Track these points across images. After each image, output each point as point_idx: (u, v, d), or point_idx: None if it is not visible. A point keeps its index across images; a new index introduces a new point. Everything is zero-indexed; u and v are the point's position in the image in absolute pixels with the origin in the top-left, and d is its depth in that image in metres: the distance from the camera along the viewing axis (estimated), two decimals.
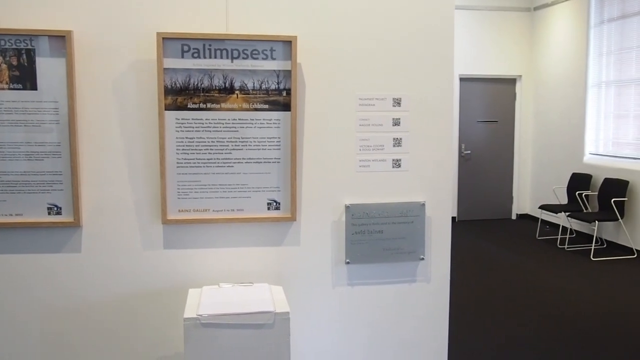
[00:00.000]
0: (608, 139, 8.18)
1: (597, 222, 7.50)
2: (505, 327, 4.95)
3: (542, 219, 9.01)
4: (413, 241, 2.83)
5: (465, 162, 9.68)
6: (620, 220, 7.40)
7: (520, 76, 9.73)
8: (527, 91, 9.79)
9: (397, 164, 2.80)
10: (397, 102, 2.77)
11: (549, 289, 6.04)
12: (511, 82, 9.78)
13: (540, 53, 9.53)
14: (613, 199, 7.41)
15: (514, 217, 10.00)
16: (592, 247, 7.53)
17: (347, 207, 2.76)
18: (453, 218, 9.62)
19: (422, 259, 2.87)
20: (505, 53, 9.63)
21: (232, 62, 2.59)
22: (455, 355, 4.29)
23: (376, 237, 2.79)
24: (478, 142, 9.74)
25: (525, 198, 9.97)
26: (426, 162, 2.84)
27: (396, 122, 2.78)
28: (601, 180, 7.89)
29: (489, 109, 9.75)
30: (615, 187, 7.59)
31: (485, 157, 9.78)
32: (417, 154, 2.82)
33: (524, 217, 9.93)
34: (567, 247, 7.85)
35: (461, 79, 9.48)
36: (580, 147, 8.56)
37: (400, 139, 2.79)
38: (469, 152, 9.67)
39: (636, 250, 7.38)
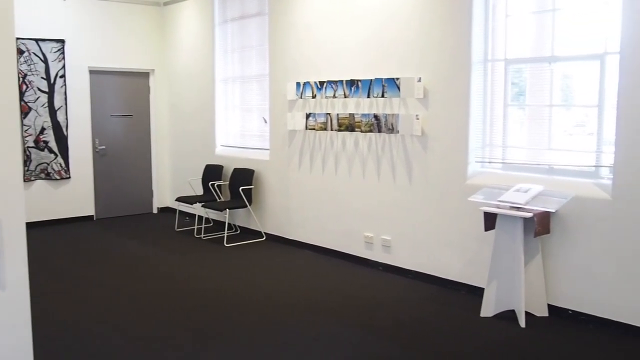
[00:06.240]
0: (236, 132, 8.69)
1: (227, 210, 7.91)
2: (136, 323, 4.89)
3: (180, 211, 9.21)
4: None
5: (100, 158, 9.37)
6: (249, 206, 7.93)
7: (154, 70, 9.78)
8: (160, 85, 9.88)
9: None
10: None
11: (183, 278, 6.17)
12: (145, 75, 9.76)
13: (171, 48, 9.70)
14: (241, 187, 7.90)
15: (155, 211, 10.04)
16: (225, 234, 7.94)
17: None
18: (91, 216, 9.27)
19: None
20: (137, 46, 9.57)
21: None
22: None
23: None
24: (113, 137, 9.50)
25: (165, 191, 10.09)
26: None
27: None
28: (231, 170, 8.35)
29: (123, 102, 9.58)
30: (243, 176, 8.12)
31: (122, 151, 9.60)
32: None
33: (165, 210, 10.04)
34: (204, 236, 8.16)
35: (91, 72, 9.13)
36: (212, 139, 8.95)
37: None
38: (103, 147, 9.37)
39: (265, 233, 7.99)
